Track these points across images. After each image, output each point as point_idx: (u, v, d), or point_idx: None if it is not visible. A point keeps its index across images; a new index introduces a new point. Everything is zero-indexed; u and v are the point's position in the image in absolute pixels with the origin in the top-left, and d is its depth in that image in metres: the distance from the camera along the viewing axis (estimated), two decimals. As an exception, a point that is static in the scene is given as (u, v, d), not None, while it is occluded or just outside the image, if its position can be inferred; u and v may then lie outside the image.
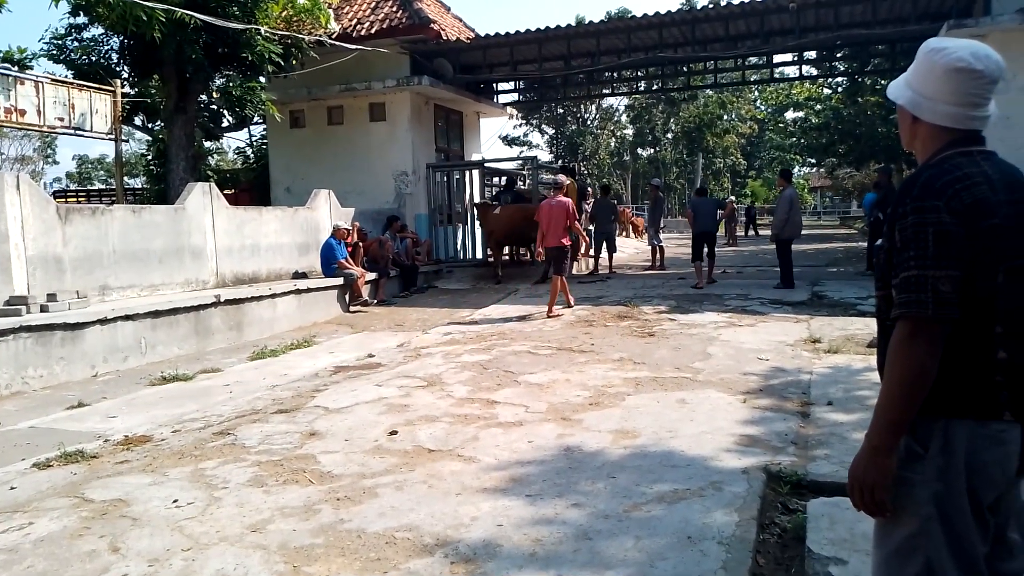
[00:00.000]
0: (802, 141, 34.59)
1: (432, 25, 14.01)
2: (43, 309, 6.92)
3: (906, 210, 1.61)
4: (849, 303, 9.62)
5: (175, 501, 3.70)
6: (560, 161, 36.63)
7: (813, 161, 39.07)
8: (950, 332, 1.58)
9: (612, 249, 15.08)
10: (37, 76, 10.17)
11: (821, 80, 26.00)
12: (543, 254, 10.14)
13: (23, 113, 9.75)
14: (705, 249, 12.17)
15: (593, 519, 3.32)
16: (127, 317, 7.53)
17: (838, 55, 16.15)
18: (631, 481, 3.76)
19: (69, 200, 27.91)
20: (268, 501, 3.68)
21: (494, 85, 17.69)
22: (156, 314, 7.88)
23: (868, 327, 7.86)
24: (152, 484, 3.98)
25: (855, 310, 9.11)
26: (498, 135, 45.01)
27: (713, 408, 5.13)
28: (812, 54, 16.19)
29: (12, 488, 4.03)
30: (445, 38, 14.41)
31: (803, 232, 12.21)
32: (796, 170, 49.50)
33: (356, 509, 3.54)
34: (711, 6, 16.09)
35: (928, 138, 1.73)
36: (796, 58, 16.37)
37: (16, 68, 10.36)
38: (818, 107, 32.29)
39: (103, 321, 7.26)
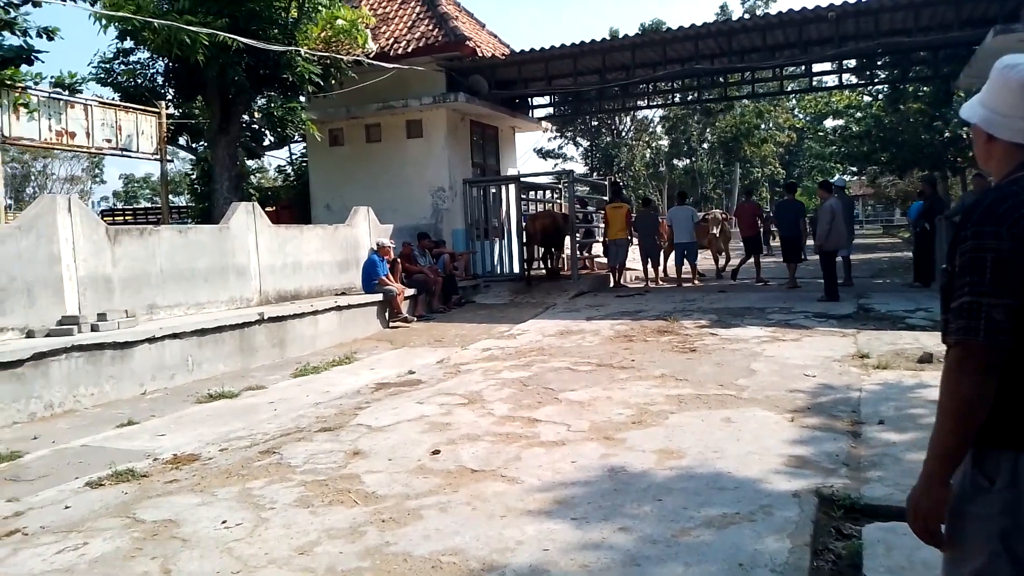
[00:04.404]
0: (842, 149, 33.94)
1: (468, 42, 14.13)
2: (94, 328, 7.09)
3: (967, 234, 1.58)
4: (897, 316, 9.39)
5: (224, 522, 3.74)
6: (595, 174, 36.56)
7: (854, 169, 38.32)
8: (1016, 361, 1.53)
9: (656, 263, 15.01)
10: (86, 99, 10.48)
11: (861, 88, 25.54)
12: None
13: (73, 135, 10.06)
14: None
15: (641, 544, 3.27)
16: (174, 335, 7.68)
17: (879, 63, 15.87)
18: (678, 504, 3.70)
19: (116, 218, 28.71)
20: (315, 522, 3.69)
21: (529, 100, 17.74)
22: (202, 332, 8.02)
23: (918, 341, 7.66)
24: (201, 504, 4.03)
25: (903, 323, 8.89)
26: (533, 148, 45.17)
27: (760, 427, 5.04)
28: (852, 62, 15.93)
29: (67, 507, 4.12)
30: (480, 55, 14.51)
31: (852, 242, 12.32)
32: (836, 178, 48.62)
33: (401, 531, 3.54)
34: (748, 17, 15.96)
35: (1004, 157, 1.69)
36: (836, 67, 16.12)
37: (67, 92, 10.68)
38: (858, 115, 31.72)
39: (151, 340, 7.42)
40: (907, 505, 1.67)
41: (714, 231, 15.52)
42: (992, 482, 1.57)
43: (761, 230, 14.83)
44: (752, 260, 14.84)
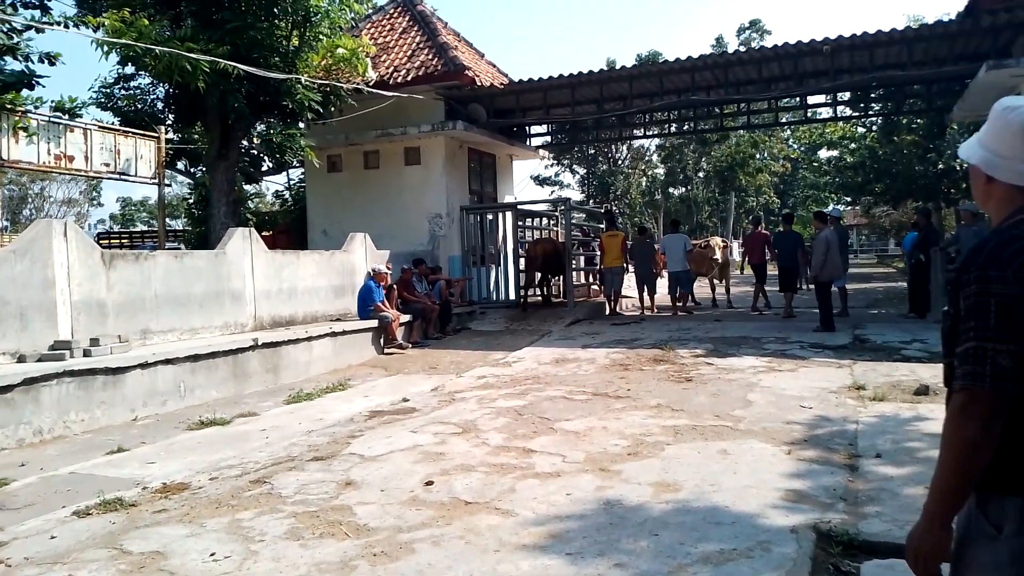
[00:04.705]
0: (837, 180, 34.18)
1: (466, 72, 14.26)
2: (86, 354, 7.04)
3: (970, 278, 1.56)
4: (893, 347, 9.38)
5: (212, 555, 3.68)
6: (591, 201, 36.71)
7: (849, 199, 38.56)
8: (1023, 405, 1.51)
9: (652, 291, 15.00)
10: (85, 124, 10.49)
11: (855, 120, 25.79)
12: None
13: (71, 159, 10.05)
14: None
15: (637, 581, 3.22)
16: (167, 361, 7.63)
17: (873, 95, 16.05)
18: (675, 539, 3.65)
19: (112, 241, 28.72)
20: (304, 556, 3.63)
21: (527, 128, 17.88)
22: (195, 358, 7.97)
23: (914, 373, 7.65)
24: (189, 536, 3.96)
25: (899, 355, 8.88)
26: (530, 175, 45.37)
27: (756, 459, 4.99)
28: (847, 95, 16.11)
29: (52, 537, 4.05)
30: (479, 84, 14.64)
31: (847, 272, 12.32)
32: (831, 208, 48.89)
33: (393, 566, 3.48)
34: (744, 50, 16.16)
35: (1004, 199, 1.67)
36: (830, 99, 16.30)
37: (67, 116, 10.72)
38: (853, 146, 31.98)
39: (144, 365, 7.36)
40: (907, 546, 1.64)
41: (715, 258, 15.51)
42: (999, 530, 1.54)
43: (768, 259, 14.79)
44: (764, 287, 14.83)
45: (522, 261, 15.16)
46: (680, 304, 14.87)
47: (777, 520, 3.87)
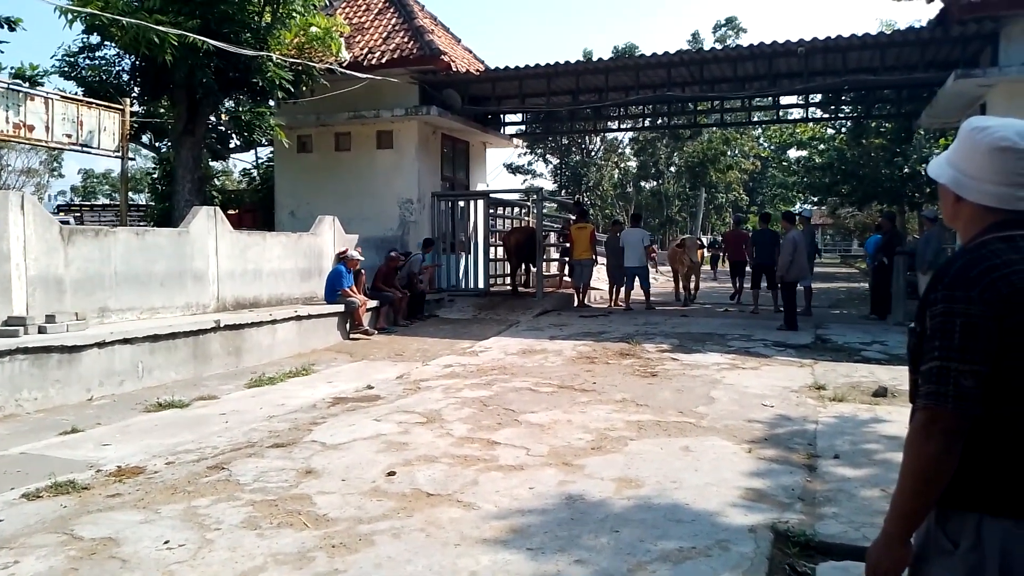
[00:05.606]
0: (805, 179, 34.68)
1: (442, 57, 14.10)
2: (41, 330, 6.84)
3: (937, 297, 1.56)
4: (853, 348, 9.55)
5: (166, 542, 3.60)
6: (563, 191, 36.74)
7: (815, 199, 39.16)
8: (991, 425, 1.52)
9: (621, 284, 15.01)
10: (47, 92, 10.17)
11: (826, 121, 26.18)
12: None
13: (31, 129, 9.73)
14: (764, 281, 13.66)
15: (596, 578, 3.22)
16: (125, 340, 7.45)
17: (844, 98, 16.28)
18: (635, 537, 3.66)
19: (73, 214, 27.95)
20: (261, 546, 3.57)
21: (501, 116, 17.78)
22: (155, 338, 7.80)
23: (873, 375, 7.79)
24: (143, 522, 3.87)
25: (859, 356, 9.04)
26: (503, 163, 45.10)
27: (718, 457, 5.04)
28: (818, 96, 16.30)
29: (0, 520, 3.93)
30: (455, 70, 14.50)
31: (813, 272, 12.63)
32: (800, 208, 49.57)
33: (352, 558, 3.44)
34: (720, 48, 16.25)
35: (971, 219, 1.67)
36: (802, 100, 16.48)
37: (27, 84, 10.36)
38: (822, 147, 32.45)
39: (101, 344, 7.18)
40: (867, 562, 1.65)
41: (693, 258, 15.51)
42: (956, 545, 1.55)
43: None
44: (747, 285, 15.00)
45: (495, 250, 15.16)
46: (646, 299, 14.84)
47: (736, 519, 3.90)
